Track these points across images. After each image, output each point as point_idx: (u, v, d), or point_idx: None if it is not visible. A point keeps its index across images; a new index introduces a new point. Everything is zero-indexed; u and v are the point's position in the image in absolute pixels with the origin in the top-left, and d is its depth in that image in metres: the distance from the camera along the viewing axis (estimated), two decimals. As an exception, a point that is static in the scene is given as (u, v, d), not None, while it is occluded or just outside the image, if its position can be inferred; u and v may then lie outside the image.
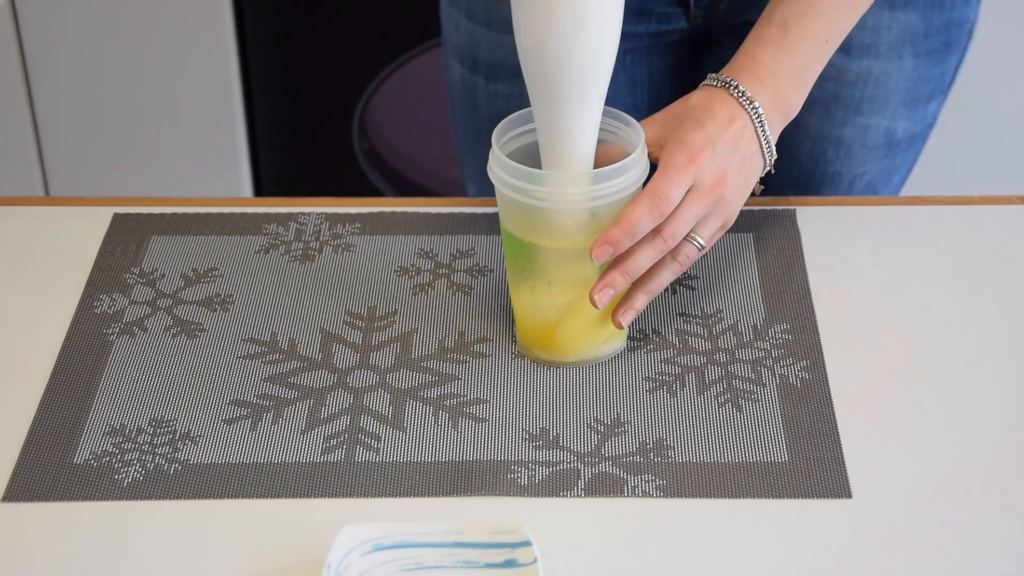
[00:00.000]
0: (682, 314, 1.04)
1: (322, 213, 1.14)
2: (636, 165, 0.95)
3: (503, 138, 0.98)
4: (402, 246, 1.11)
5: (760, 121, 0.99)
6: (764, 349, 1.01)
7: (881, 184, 1.24)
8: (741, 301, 1.05)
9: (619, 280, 0.96)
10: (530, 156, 0.97)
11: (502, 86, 1.22)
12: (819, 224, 1.11)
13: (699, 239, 0.98)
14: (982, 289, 1.06)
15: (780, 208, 1.13)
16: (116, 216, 1.14)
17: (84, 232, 1.12)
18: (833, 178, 1.22)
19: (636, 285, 0.98)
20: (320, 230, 1.12)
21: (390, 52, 2.00)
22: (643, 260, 0.96)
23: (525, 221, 0.96)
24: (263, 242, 1.11)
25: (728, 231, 1.10)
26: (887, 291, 1.06)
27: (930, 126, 1.23)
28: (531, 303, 0.99)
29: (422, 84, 1.99)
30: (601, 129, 0.97)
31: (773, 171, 1.04)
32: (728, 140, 0.98)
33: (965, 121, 1.95)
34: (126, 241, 1.11)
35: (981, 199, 1.14)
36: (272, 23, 1.97)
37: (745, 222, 1.12)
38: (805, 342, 1.01)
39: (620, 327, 0.97)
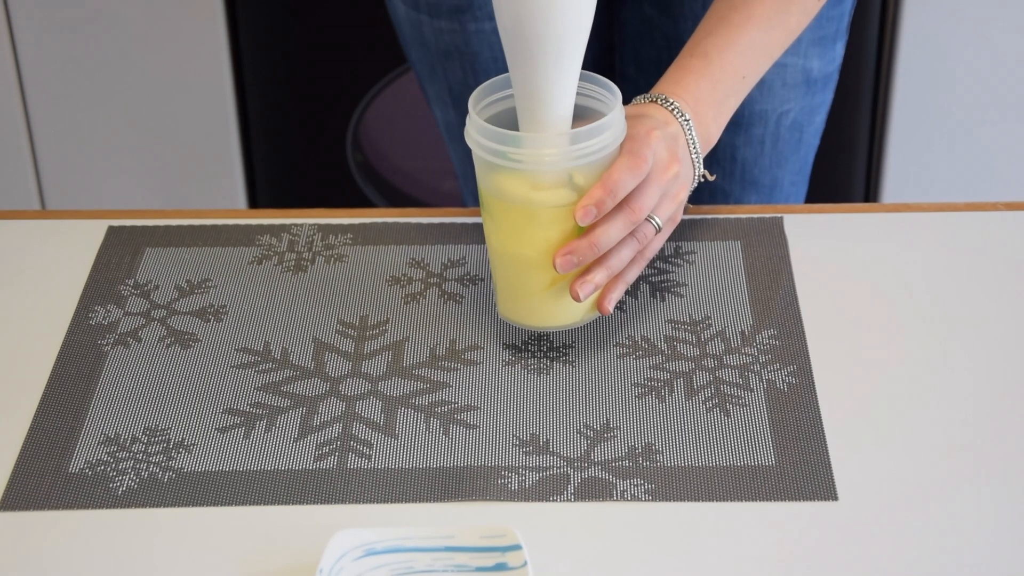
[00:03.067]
0: (671, 321, 1.05)
1: (314, 224, 1.15)
2: (613, 125, 0.96)
3: (480, 103, 0.98)
4: (394, 256, 1.12)
5: (689, 129, 1.03)
6: (752, 355, 1.02)
7: (806, 122, 1.30)
8: (729, 308, 1.06)
9: (587, 250, 0.97)
10: (508, 122, 0.98)
11: (445, 23, 1.25)
12: (806, 231, 1.13)
13: (657, 219, 1.00)
14: (967, 295, 1.07)
15: (767, 216, 1.14)
16: (111, 229, 1.15)
17: (79, 245, 1.13)
18: (761, 116, 1.27)
19: (597, 260, 0.99)
20: (312, 241, 1.13)
21: (384, 65, 2.01)
22: (612, 232, 0.97)
23: (504, 185, 0.97)
24: (256, 253, 1.12)
25: (715, 239, 1.12)
26: (873, 297, 1.07)
27: (838, 68, 1.29)
28: (511, 268, 0.99)
29: (416, 97, 2.00)
30: (579, 94, 0.98)
31: (710, 178, 1.08)
32: (670, 132, 1.01)
33: (949, 128, 1.96)
34: (120, 253, 1.12)
35: (966, 206, 1.16)
36: (267, 36, 1.98)
37: (733, 230, 1.13)
38: (792, 348, 1.02)
39: (578, 300, 0.98)
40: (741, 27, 1.06)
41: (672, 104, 1.03)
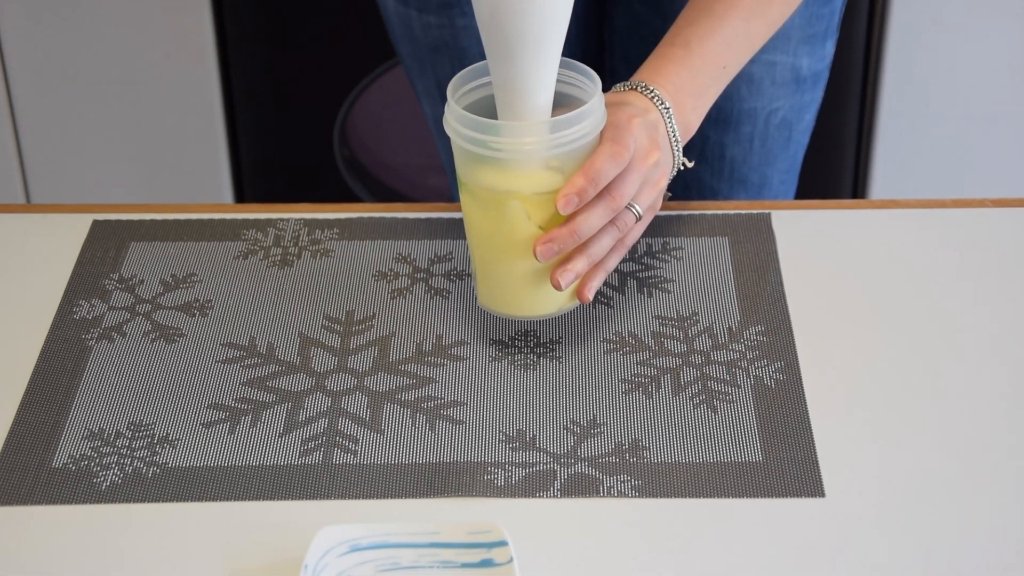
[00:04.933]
0: (658, 316, 1.05)
1: (300, 219, 1.14)
2: (593, 113, 0.95)
3: (459, 91, 0.98)
4: (380, 251, 1.11)
5: (669, 117, 1.03)
6: (739, 351, 1.02)
7: (795, 120, 1.29)
8: (716, 304, 1.06)
9: (567, 238, 0.96)
10: (487, 110, 0.97)
11: (433, 17, 1.25)
12: (793, 227, 1.12)
13: (637, 207, 0.99)
14: (954, 291, 1.07)
15: (755, 212, 1.14)
16: (95, 222, 1.14)
17: (64, 238, 1.13)
18: (749, 114, 1.27)
19: (577, 248, 0.98)
20: (299, 235, 1.13)
21: (371, 60, 2.01)
22: (593, 219, 0.97)
23: (484, 174, 0.96)
24: (242, 248, 1.12)
25: (703, 235, 1.11)
26: (860, 293, 1.07)
27: (828, 66, 1.29)
28: (491, 257, 0.99)
29: (403, 93, 2.00)
30: (562, 83, 0.98)
31: (689, 165, 1.07)
32: (650, 120, 1.01)
33: (937, 125, 1.96)
34: (105, 247, 1.12)
35: (953, 202, 1.16)
36: (253, 31, 1.98)
37: (721, 225, 1.13)
38: (779, 344, 1.02)
39: (559, 288, 0.97)
40: (723, 17, 1.06)
41: (652, 92, 1.03)
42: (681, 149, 1.04)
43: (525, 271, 0.98)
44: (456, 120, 0.95)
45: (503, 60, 0.94)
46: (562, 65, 0.97)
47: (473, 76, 0.99)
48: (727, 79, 1.08)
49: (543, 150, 0.95)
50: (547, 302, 1.00)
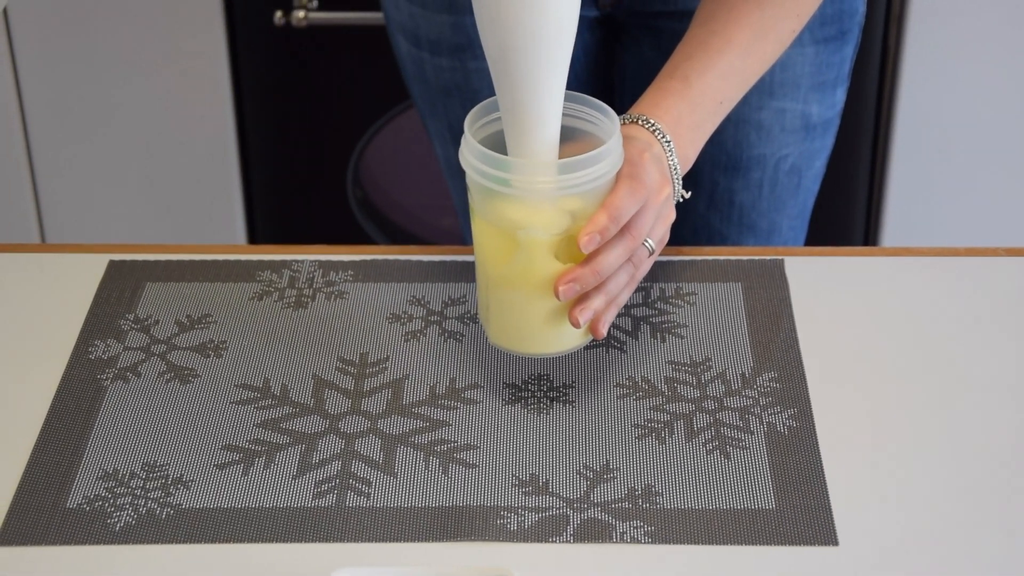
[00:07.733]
0: (671, 362, 1.05)
1: (315, 260, 1.15)
2: (612, 153, 0.96)
3: (476, 124, 0.98)
4: (394, 293, 1.12)
5: (671, 150, 1.03)
6: (752, 397, 1.02)
7: (805, 166, 1.30)
8: (730, 350, 1.06)
9: (589, 277, 0.97)
10: (502, 144, 0.98)
11: (445, 60, 1.26)
12: (807, 273, 1.13)
13: (650, 242, 1.00)
14: (966, 339, 1.07)
15: (768, 258, 1.14)
16: (111, 263, 1.15)
17: (80, 278, 1.13)
18: (759, 160, 1.27)
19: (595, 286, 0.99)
20: (313, 277, 1.13)
21: (385, 102, 2.02)
22: (613, 258, 0.97)
23: (500, 209, 0.96)
24: (257, 289, 1.12)
25: (716, 280, 1.12)
26: (873, 340, 1.07)
27: (839, 113, 1.30)
28: (506, 296, 0.99)
29: (417, 134, 2.00)
30: (578, 118, 0.98)
31: (685, 197, 1.07)
32: (656, 153, 1.02)
33: (950, 173, 1.96)
34: (121, 287, 1.12)
35: (967, 251, 1.16)
36: (267, 73, 1.99)
37: (734, 271, 1.13)
38: (793, 390, 1.02)
39: (577, 326, 0.98)
40: (720, 51, 1.07)
41: (654, 125, 1.03)
42: (680, 181, 1.05)
43: (538, 308, 0.99)
44: (475, 157, 0.95)
45: (511, 95, 0.95)
46: (580, 102, 0.98)
47: (490, 110, 0.99)
48: (723, 114, 1.09)
49: (561, 189, 0.95)
50: (561, 339, 1.00)
